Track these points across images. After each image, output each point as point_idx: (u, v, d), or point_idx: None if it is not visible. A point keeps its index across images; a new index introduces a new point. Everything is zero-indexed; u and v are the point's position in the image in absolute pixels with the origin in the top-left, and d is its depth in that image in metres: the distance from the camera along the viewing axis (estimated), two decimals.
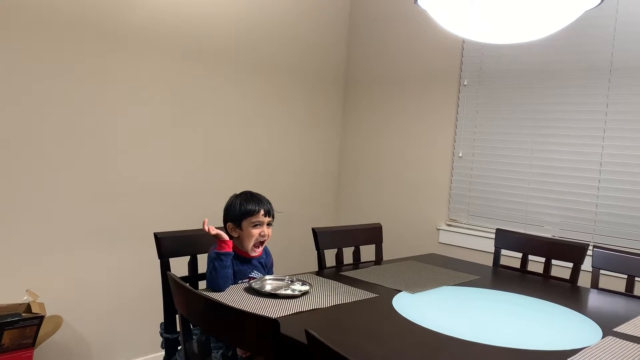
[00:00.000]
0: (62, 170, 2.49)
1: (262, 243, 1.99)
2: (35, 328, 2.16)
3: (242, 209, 1.94)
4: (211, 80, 3.02)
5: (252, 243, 1.94)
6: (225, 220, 1.98)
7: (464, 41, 3.21)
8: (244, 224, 1.94)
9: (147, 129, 2.77)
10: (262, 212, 1.95)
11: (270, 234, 1.98)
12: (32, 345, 2.18)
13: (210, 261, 1.84)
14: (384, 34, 3.59)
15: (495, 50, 3.08)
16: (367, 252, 2.57)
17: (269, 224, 1.98)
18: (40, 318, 2.17)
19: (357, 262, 2.42)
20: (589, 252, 2.44)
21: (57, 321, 2.37)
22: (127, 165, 2.71)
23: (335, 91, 3.75)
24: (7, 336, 2.09)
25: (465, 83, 3.21)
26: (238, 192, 2.02)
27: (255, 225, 1.94)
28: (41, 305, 2.28)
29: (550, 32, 1.72)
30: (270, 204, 2.00)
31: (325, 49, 3.63)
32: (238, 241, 1.96)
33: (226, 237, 1.88)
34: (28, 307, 2.24)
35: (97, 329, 2.67)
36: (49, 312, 2.40)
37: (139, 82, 2.72)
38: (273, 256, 2.14)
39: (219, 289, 1.80)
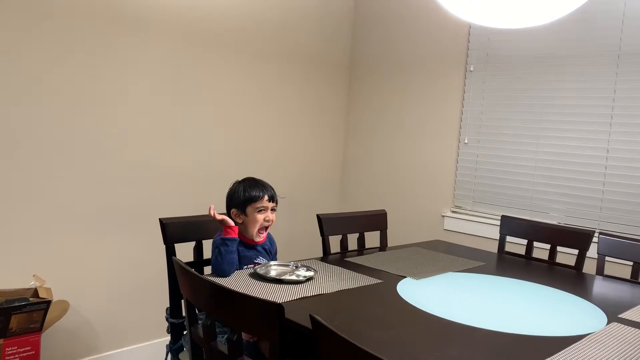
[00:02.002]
0: (70, 155, 2.50)
1: (266, 228, 1.99)
2: (42, 313, 2.18)
3: (247, 195, 1.94)
4: (218, 66, 3.00)
5: (256, 228, 1.95)
6: (228, 207, 1.98)
7: (470, 26, 3.18)
8: (249, 209, 1.94)
9: (154, 115, 2.77)
10: (266, 197, 1.96)
11: (274, 219, 1.99)
12: (40, 329, 2.20)
13: (215, 247, 1.85)
14: (390, 20, 3.56)
15: (502, 35, 3.04)
16: (372, 239, 2.57)
17: (273, 209, 1.99)
18: (47, 303, 2.19)
19: (361, 249, 2.43)
20: (595, 239, 2.43)
21: (64, 306, 2.39)
22: (136, 151, 2.71)
23: (340, 77, 3.73)
24: (15, 321, 2.11)
25: (472, 69, 3.18)
26: (240, 179, 2.02)
27: (260, 211, 1.95)
28: (48, 290, 2.30)
29: (557, 17, 1.70)
30: (273, 189, 2.01)
31: (331, 35, 3.61)
32: (243, 227, 1.97)
33: (232, 222, 1.88)
34: (35, 292, 2.26)
35: (103, 313, 2.69)
36: (55, 297, 2.42)
37: (144, 67, 2.71)
38: (278, 243, 2.15)
39: (225, 274, 1.81)
